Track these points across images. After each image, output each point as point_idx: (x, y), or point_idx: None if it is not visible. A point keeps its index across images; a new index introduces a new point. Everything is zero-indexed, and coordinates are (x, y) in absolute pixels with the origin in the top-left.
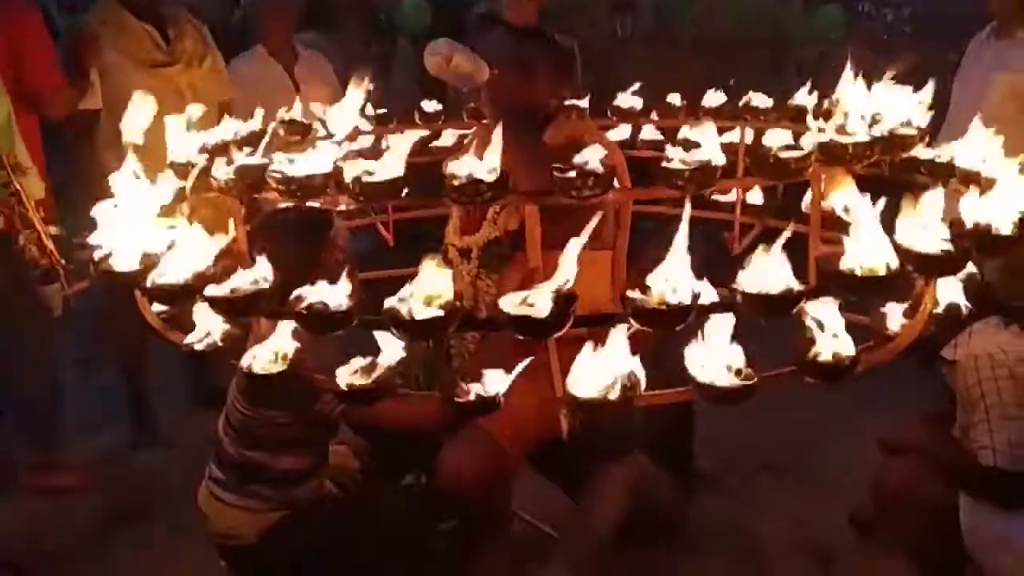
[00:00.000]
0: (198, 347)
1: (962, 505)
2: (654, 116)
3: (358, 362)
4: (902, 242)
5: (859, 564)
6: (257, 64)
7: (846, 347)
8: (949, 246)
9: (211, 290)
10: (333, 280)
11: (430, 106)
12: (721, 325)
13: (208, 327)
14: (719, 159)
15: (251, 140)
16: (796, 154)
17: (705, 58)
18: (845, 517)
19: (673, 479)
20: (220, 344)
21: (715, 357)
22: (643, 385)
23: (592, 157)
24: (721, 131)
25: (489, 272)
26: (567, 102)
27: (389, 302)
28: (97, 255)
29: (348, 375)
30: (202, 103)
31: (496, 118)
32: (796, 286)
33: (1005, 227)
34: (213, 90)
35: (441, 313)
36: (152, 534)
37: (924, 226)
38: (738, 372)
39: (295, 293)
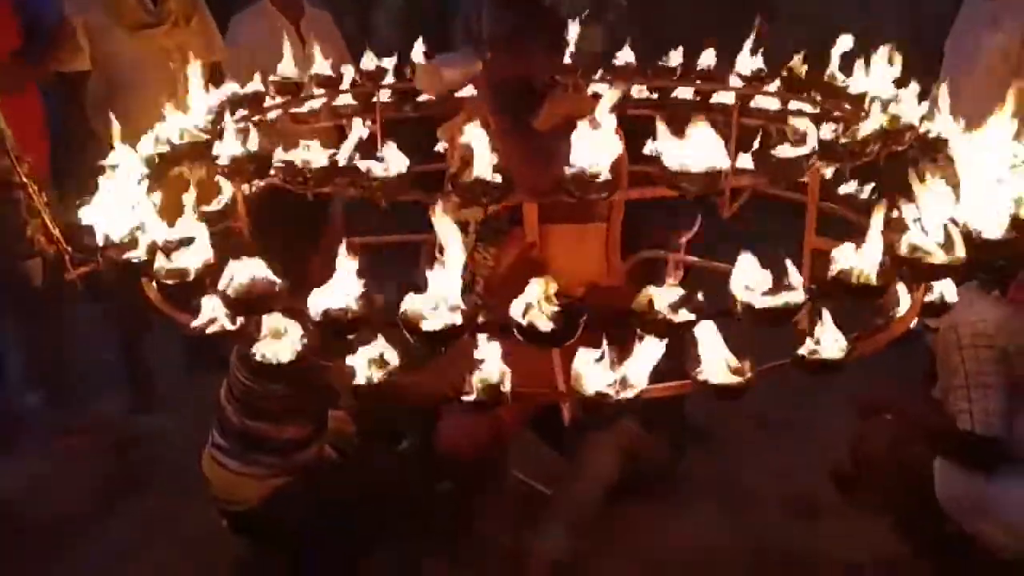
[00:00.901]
0: (208, 331)
1: (937, 468)
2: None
3: (369, 352)
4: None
5: (841, 520)
6: (263, 20)
7: (840, 347)
8: (945, 256)
9: (223, 287)
10: (331, 264)
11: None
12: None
13: (214, 312)
14: (723, 162)
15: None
16: (801, 152)
17: None
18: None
19: (666, 435)
20: (231, 329)
21: (715, 354)
22: (645, 383)
23: (601, 160)
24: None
25: (487, 245)
26: (562, 75)
27: (405, 304)
28: (100, 238)
29: (363, 369)
30: (189, 63)
31: (492, 100)
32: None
33: (994, 231)
34: (201, 51)
35: (458, 321)
36: (154, 497)
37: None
38: (736, 370)
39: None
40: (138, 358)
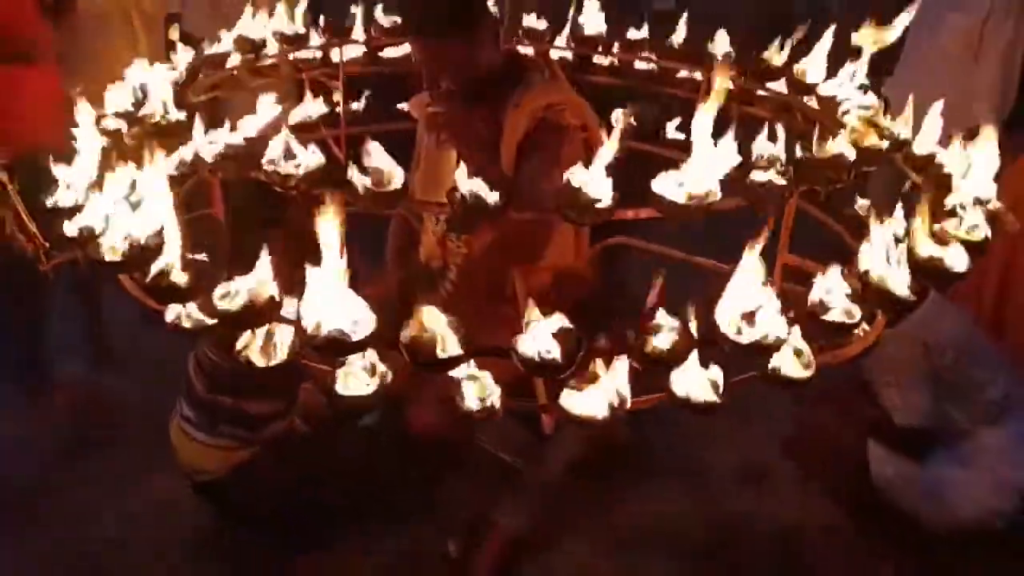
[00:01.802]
0: (185, 325)
1: (872, 452)
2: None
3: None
4: (871, 279)
5: (788, 489)
6: None
7: (807, 364)
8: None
9: (216, 302)
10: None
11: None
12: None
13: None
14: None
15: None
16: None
17: None
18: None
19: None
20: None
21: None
22: (629, 402)
23: (599, 183)
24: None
25: (458, 234)
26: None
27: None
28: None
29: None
30: (149, 18)
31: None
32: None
33: (960, 264)
34: (159, 6)
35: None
36: (120, 458)
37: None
38: (714, 385)
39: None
40: (95, 314)
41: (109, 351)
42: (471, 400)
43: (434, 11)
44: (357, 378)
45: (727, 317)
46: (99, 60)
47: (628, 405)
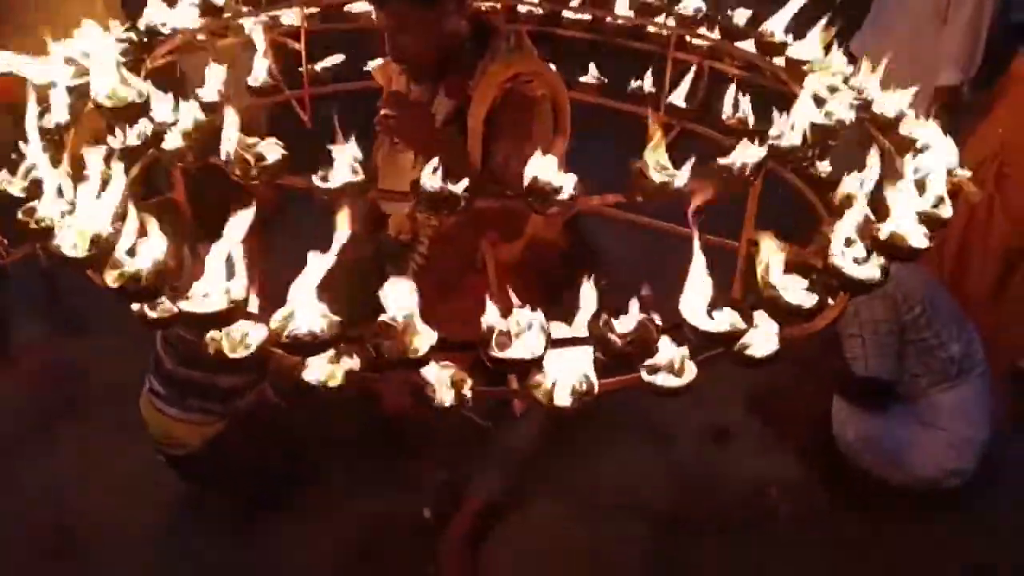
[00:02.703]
0: (152, 315)
1: (835, 408)
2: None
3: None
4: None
5: (751, 446)
6: None
7: (771, 345)
8: (874, 271)
9: (186, 307)
10: None
11: None
12: None
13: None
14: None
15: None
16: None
17: None
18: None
19: None
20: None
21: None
22: (596, 387)
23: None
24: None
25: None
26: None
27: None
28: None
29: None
30: None
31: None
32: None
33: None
34: None
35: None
36: (91, 425)
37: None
38: (679, 371)
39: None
40: (53, 279)
41: (71, 314)
42: (443, 393)
43: None
44: (323, 369)
45: (691, 307)
46: (50, 13)
47: (596, 391)
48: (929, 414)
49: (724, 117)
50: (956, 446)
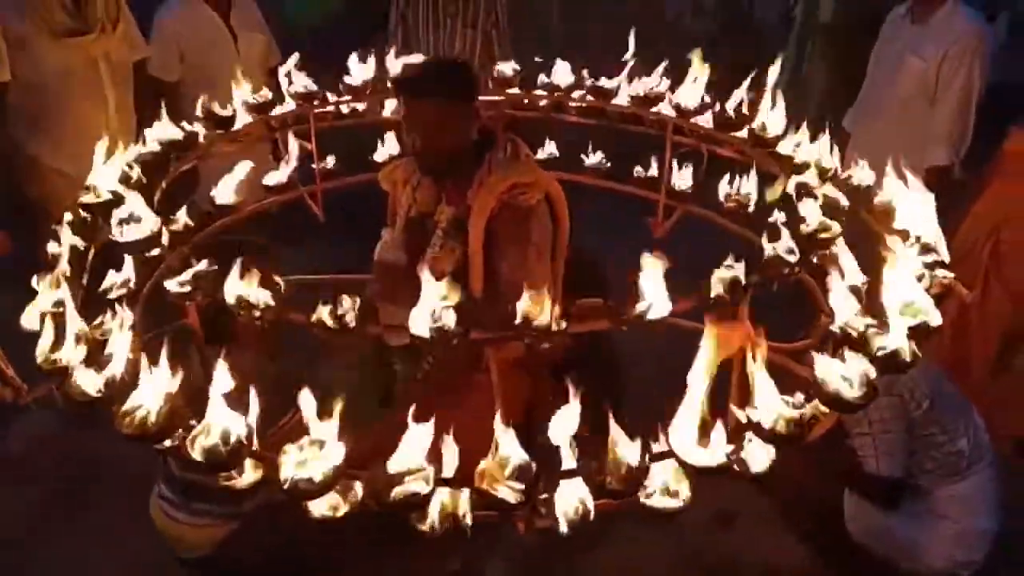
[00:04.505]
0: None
1: (846, 500)
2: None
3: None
4: (820, 379)
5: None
6: (190, 11)
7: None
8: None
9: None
10: None
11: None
12: None
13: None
14: (664, 309)
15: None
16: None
17: None
18: None
19: None
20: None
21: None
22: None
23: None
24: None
25: (456, 242)
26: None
27: None
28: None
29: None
30: (116, 70)
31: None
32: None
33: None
34: (125, 54)
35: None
36: (99, 519)
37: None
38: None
39: None
40: None
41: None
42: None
43: (447, 75)
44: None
45: (682, 438)
46: (64, 117)
47: (591, 516)
48: (940, 506)
49: (723, 198)
50: (967, 538)
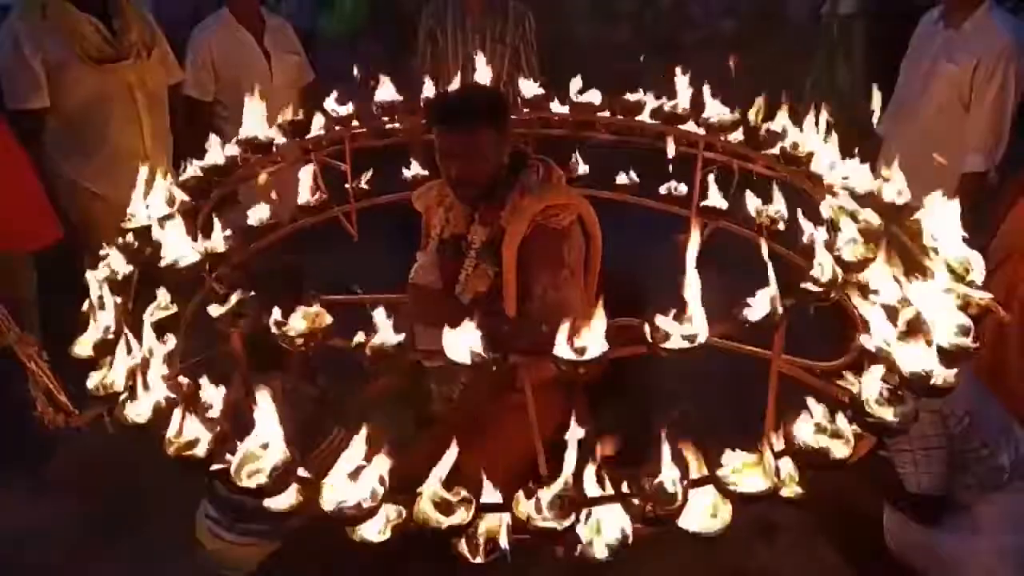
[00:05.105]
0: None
1: (886, 516)
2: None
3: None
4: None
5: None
6: (224, 32)
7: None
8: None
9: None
10: None
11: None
12: None
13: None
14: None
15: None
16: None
17: None
18: None
19: None
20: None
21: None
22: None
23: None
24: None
25: (490, 264)
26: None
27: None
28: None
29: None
30: (151, 95)
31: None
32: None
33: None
34: (161, 79)
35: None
36: (143, 536)
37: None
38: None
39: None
40: None
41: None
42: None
43: (479, 105)
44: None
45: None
46: (101, 142)
47: (630, 542)
48: (981, 522)
49: (754, 213)
50: (1008, 553)
